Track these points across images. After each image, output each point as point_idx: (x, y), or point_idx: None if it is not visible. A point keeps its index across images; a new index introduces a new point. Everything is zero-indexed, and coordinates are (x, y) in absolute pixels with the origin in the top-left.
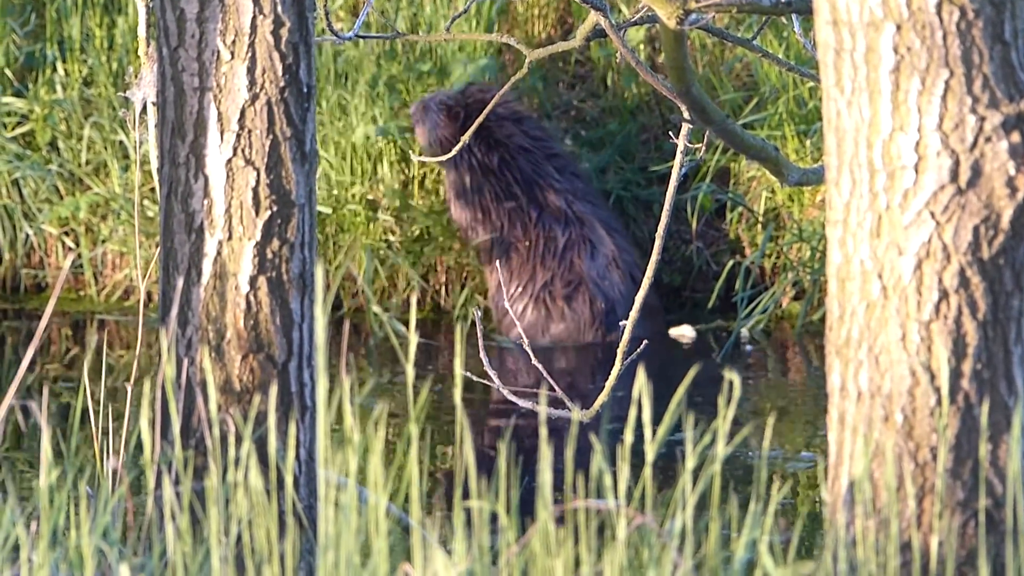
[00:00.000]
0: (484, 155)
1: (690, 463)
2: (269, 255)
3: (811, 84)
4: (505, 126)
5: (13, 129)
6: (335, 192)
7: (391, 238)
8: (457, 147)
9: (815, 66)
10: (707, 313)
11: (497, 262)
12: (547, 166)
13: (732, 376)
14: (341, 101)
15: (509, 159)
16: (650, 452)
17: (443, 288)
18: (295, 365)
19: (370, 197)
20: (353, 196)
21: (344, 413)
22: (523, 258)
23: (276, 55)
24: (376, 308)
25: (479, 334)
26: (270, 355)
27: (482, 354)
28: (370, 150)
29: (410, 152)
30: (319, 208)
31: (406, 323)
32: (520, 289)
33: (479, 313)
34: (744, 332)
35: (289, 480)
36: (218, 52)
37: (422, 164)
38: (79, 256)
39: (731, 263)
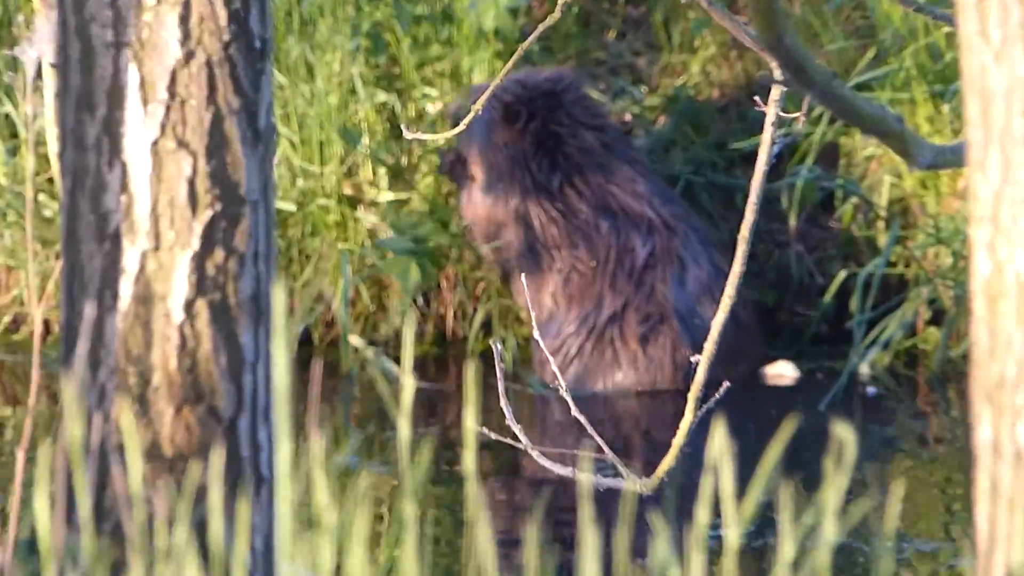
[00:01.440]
0: (546, 175)
1: (787, 551)
2: (211, 271)
3: (948, 29)
4: (580, 136)
5: None
6: (301, 182)
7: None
8: (464, 121)
9: (952, 7)
10: (810, 343)
11: (525, 279)
12: (625, 169)
13: (844, 431)
14: (308, 59)
15: (576, 177)
16: (732, 537)
17: (451, 312)
18: (247, 421)
19: (348, 192)
20: (325, 188)
21: (314, 486)
22: (587, 280)
23: None
24: (356, 340)
25: (499, 374)
26: (213, 407)
27: (503, 402)
28: (350, 122)
29: (404, 127)
30: (279, 205)
31: (398, 360)
32: (579, 322)
33: (499, 347)
34: (863, 369)
35: None
36: None
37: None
38: None
39: (843, 274)
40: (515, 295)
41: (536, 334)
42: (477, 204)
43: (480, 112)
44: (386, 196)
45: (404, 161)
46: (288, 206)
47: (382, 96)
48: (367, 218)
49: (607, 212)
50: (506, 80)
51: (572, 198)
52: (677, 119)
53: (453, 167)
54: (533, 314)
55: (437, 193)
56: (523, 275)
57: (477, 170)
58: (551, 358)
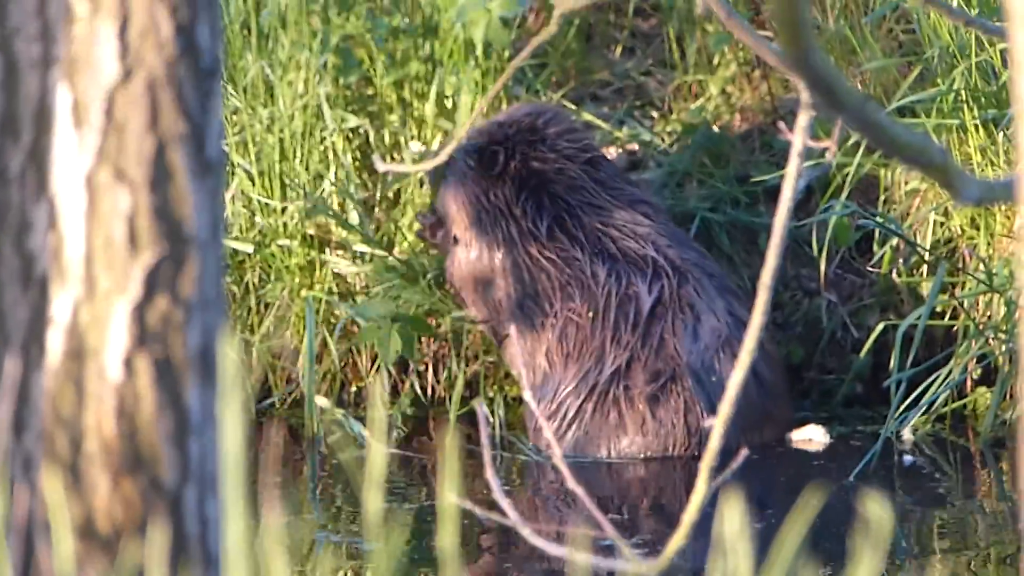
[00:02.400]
0: (532, 220)
1: None
2: (153, 321)
3: (1004, 45)
4: (568, 172)
5: None
6: (259, 220)
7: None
8: (445, 151)
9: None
10: (843, 404)
11: (520, 340)
12: (623, 208)
13: (876, 505)
14: (267, 78)
15: (567, 220)
16: None
17: (431, 368)
18: (193, 493)
19: (311, 231)
20: (287, 226)
21: (270, 566)
22: (585, 333)
23: (161, 8)
24: (322, 401)
25: (484, 440)
26: (155, 478)
27: (489, 472)
28: (314, 150)
29: (374, 155)
30: (233, 245)
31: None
32: (577, 380)
33: (485, 409)
34: (904, 435)
35: None
36: (69, 2)
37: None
38: None
39: (881, 326)
40: (509, 359)
41: (528, 396)
42: (462, 265)
43: (453, 165)
44: (357, 244)
45: (377, 195)
46: (244, 247)
47: (353, 121)
48: (336, 262)
49: (605, 256)
50: (479, 125)
51: (564, 242)
52: (692, 148)
53: (434, 231)
54: (525, 372)
55: (416, 251)
56: (514, 333)
57: (458, 229)
58: (545, 424)
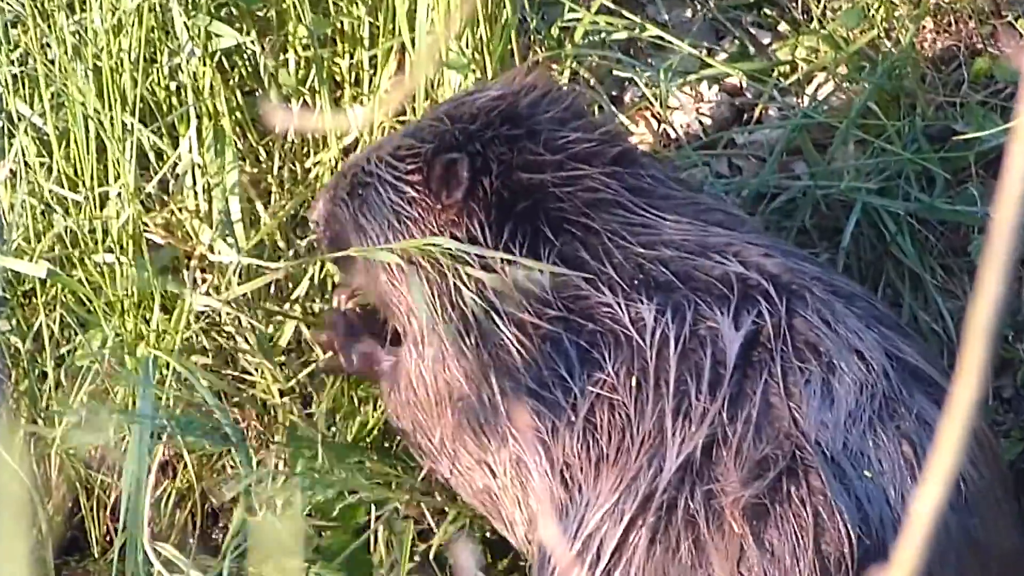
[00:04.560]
0: (529, 262)
1: None
2: None
3: None
4: (583, 183)
5: None
6: (60, 220)
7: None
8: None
9: None
10: None
11: (541, 438)
12: (687, 225)
13: None
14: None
15: (583, 252)
16: None
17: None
18: None
19: (161, 236)
20: (110, 229)
21: None
22: (625, 415)
23: None
24: (167, 550)
25: None
26: None
27: None
28: (158, 91)
29: (267, 102)
30: (13, 265)
31: None
32: (617, 495)
33: (473, 552)
34: None
35: None
36: None
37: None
38: None
39: None
40: (498, 521)
41: (549, 529)
42: (412, 384)
43: (373, 198)
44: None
45: (272, 172)
46: (34, 269)
47: (229, 37)
48: (198, 297)
49: (650, 288)
50: (414, 124)
51: (580, 286)
52: (871, 88)
53: (348, 352)
54: (535, 504)
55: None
56: (515, 456)
57: (399, 317)
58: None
